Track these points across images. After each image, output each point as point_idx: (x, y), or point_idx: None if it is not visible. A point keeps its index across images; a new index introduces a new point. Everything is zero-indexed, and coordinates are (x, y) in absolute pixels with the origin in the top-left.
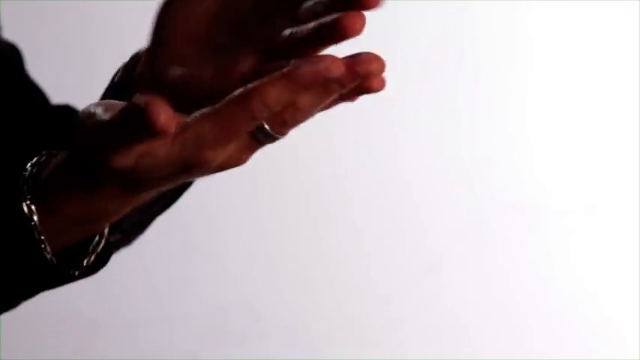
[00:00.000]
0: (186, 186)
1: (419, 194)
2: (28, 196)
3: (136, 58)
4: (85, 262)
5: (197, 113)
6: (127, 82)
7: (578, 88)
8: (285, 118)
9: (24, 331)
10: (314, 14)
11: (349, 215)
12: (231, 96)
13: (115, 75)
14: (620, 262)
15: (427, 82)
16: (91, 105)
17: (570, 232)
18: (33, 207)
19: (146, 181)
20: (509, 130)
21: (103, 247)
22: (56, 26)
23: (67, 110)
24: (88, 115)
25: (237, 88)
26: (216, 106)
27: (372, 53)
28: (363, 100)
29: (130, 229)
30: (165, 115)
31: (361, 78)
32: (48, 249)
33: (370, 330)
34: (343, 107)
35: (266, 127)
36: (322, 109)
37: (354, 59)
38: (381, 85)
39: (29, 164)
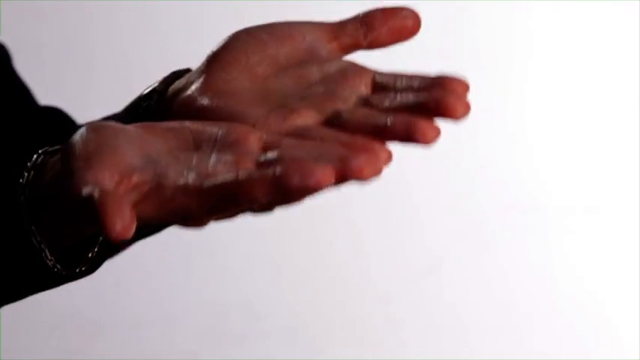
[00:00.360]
0: None
1: (419, 194)
2: (26, 213)
3: (173, 76)
4: (85, 258)
5: (184, 181)
6: (157, 101)
7: (578, 88)
8: (272, 204)
9: (24, 331)
10: (388, 104)
11: (349, 215)
12: (220, 181)
13: (143, 96)
14: (619, 262)
15: None
16: (98, 126)
17: (570, 232)
18: (33, 227)
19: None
20: (509, 130)
21: (99, 246)
22: (56, 26)
23: (54, 112)
24: (86, 139)
25: (282, 139)
26: (206, 185)
27: (364, 158)
28: None
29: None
30: (121, 225)
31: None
32: (49, 256)
33: (370, 330)
34: None
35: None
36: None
37: (346, 170)
38: (371, 174)
39: (25, 168)
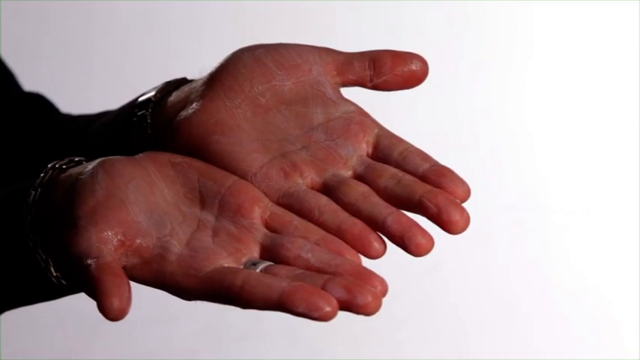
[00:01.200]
0: None
1: None
2: (31, 232)
3: (169, 86)
4: None
5: (186, 261)
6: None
7: (578, 89)
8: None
9: (24, 331)
10: (388, 185)
11: None
12: (223, 282)
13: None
14: (619, 262)
15: (427, 81)
16: (110, 166)
17: (570, 232)
18: (38, 241)
19: None
20: (509, 130)
21: None
22: (56, 26)
23: (37, 100)
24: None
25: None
26: (207, 277)
27: (370, 294)
28: (363, 100)
29: None
30: (118, 306)
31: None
32: (54, 271)
33: (370, 330)
34: None
35: None
36: None
37: (350, 299)
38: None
39: (33, 186)
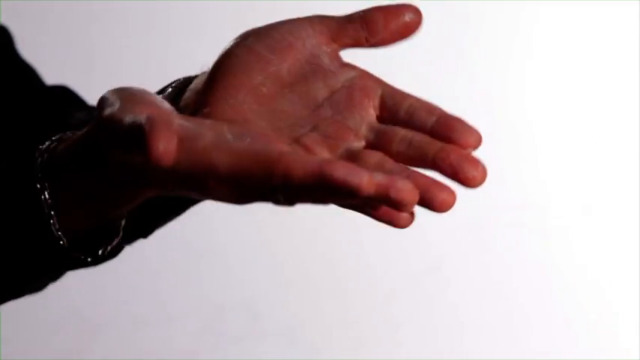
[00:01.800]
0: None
1: None
2: (40, 174)
3: (184, 83)
4: (100, 251)
5: (225, 136)
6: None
7: (577, 89)
8: (297, 198)
9: (24, 331)
10: (401, 148)
11: (349, 215)
12: (260, 147)
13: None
14: (620, 262)
15: (425, 83)
16: (127, 87)
17: (570, 233)
18: (46, 183)
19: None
20: (508, 130)
21: (117, 241)
22: (56, 26)
23: (62, 91)
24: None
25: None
26: (245, 144)
27: (410, 185)
28: None
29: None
30: (164, 146)
31: (389, 203)
32: (57, 226)
33: (370, 330)
34: None
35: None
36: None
37: (390, 183)
38: (407, 223)
39: (39, 152)
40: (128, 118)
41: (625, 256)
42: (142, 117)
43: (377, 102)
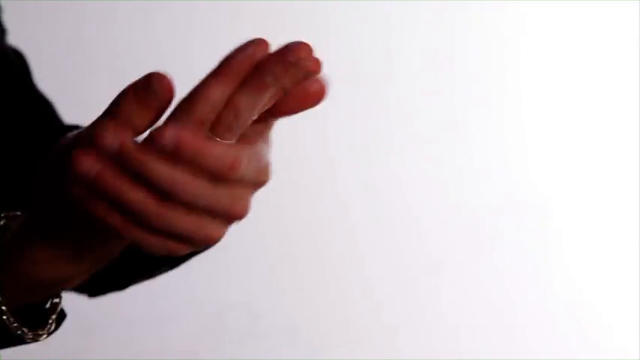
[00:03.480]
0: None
1: (416, 197)
2: None
3: None
4: (46, 328)
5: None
6: None
7: (576, 88)
8: (228, 121)
9: None
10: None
11: (347, 218)
12: (178, 103)
13: None
14: (619, 264)
15: (422, 83)
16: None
17: (568, 234)
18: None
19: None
20: (505, 132)
21: (58, 311)
22: (56, 26)
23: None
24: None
25: None
26: (169, 115)
27: (299, 41)
28: (359, 101)
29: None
30: (167, 81)
31: (292, 65)
32: (6, 313)
33: (369, 331)
34: (339, 108)
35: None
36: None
37: (282, 48)
38: (317, 67)
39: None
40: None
41: (625, 256)
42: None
43: None
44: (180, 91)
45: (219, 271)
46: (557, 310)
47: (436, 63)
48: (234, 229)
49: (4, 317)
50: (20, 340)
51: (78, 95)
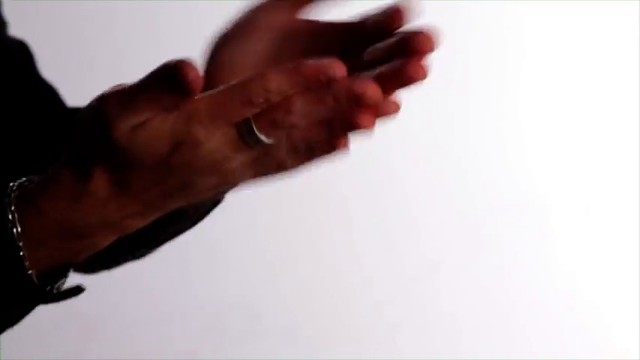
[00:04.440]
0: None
1: (416, 197)
2: (13, 204)
3: None
4: (61, 282)
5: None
6: None
7: (576, 88)
8: (274, 117)
9: (24, 331)
10: (374, 61)
11: (347, 217)
12: (234, 80)
13: None
14: (619, 263)
15: (425, 82)
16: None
17: (568, 234)
18: (16, 214)
19: (137, 166)
20: (505, 131)
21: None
22: (56, 26)
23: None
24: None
25: None
26: (220, 87)
27: (370, 80)
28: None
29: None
30: (193, 74)
31: (357, 98)
32: (27, 260)
33: (369, 331)
34: None
35: (252, 124)
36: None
37: (353, 79)
38: (371, 123)
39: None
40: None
41: (625, 256)
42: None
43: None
44: None
45: (219, 271)
46: (557, 310)
47: (436, 63)
48: (234, 228)
49: (24, 263)
50: (35, 294)
51: (78, 95)
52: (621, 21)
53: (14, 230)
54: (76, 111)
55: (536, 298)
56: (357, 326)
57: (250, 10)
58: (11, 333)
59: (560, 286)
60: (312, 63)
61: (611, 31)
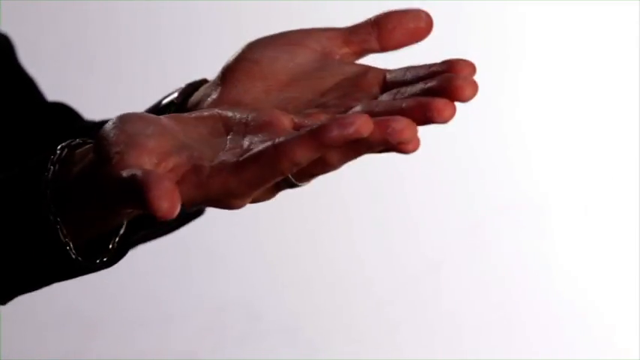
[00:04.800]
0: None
1: (416, 197)
2: (52, 205)
3: (190, 88)
4: (108, 249)
5: (221, 160)
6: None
7: (575, 88)
8: (312, 171)
9: (24, 331)
10: (399, 96)
11: (348, 217)
12: (258, 151)
13: (164, 98)
14: (619, 263)
15: None
16: (129, 115)
17: (568, 233)
18: (58, 218)
19: None
20: (505, 131)
21: (121, 239)
22: (56, 26)
23: (62, 108)
24: (125, 121)
25: None
26: (243, 158)
27: (405, 119)
28: None
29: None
30: (168, 203)
31: (392, 142)
32: (73, 250)
33: (369, 331)
34: None
35: (291, 178)
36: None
37: (386, 122)
38: (414, 148)
39: (50, 162)
40: (125, 173)
41: (624, 256)
42: (138, 172)
43: (381, 80)
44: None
45: (219, 271)
46: (557, 310)
47: (437, 61)
48: (234, 228)
49: (69, 248)
50: (80, 270)
51: (78, 94)
52: (621, 21)
53: (58, 221)
54: (54, 104)
55: (536, 297)
56: (357, 326)
57: (303, 29)
58: (11, 333)
59: (560, 286)
60: (336, 130)
61: (611, 31)
